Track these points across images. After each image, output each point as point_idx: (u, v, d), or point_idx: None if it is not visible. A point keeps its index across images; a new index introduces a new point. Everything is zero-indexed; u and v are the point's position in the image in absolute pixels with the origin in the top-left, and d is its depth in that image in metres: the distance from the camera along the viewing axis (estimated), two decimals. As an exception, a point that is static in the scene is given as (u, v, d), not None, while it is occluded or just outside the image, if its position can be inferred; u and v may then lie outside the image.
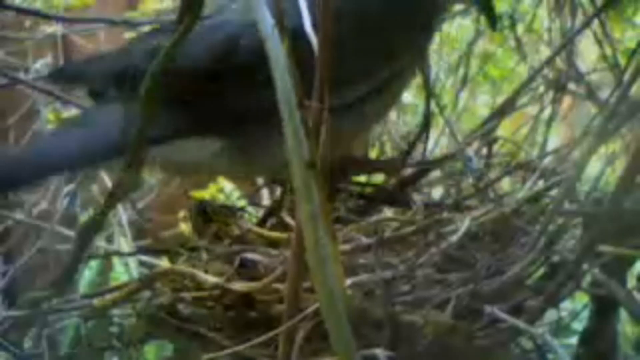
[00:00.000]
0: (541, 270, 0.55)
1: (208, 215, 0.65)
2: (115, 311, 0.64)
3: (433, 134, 1.04)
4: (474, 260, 0.54)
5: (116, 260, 1.15)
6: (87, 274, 1.13)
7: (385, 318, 0.49)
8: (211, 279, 0.54)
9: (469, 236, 0.55)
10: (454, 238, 0.54)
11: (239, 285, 0.53)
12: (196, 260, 0.61)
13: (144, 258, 0.77)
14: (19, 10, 0.95)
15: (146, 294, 0.61)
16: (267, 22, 0.38)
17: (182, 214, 0.79)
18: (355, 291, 0.51)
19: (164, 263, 0.63)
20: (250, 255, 0.58)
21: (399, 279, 0.52)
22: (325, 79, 0.46)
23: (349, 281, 0.50)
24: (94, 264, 1.14)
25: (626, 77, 0.57)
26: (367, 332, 0.49)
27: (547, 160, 0.69)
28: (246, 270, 0.57)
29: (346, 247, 0.55)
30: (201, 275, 0.55)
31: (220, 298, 0.55)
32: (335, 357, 0.35)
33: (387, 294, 0.49)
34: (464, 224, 0.54)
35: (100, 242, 0.90)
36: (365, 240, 0.55)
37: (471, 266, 0.54)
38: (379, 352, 0.44)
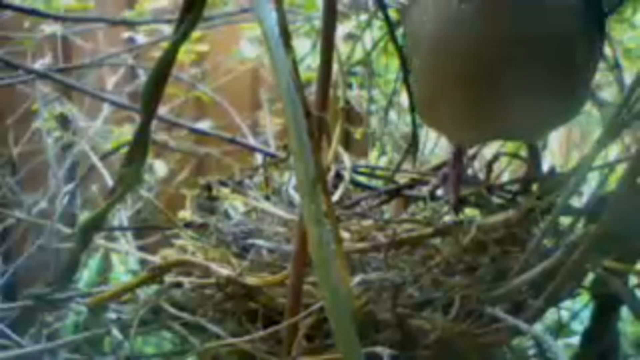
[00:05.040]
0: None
1: (212, 192, 0.66)
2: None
3: (433, 133, 1.04)
4: (478, 264, 0.54)
5: (116, 261, 1.15)
6: (86, 274, 1.13)
7: (393, 321, 0.49)
8: (223, 271, 0.54)
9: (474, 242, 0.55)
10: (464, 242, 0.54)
11: (251, 280, 0.53)
12: (200, 241, 0.61)
13: (144, 256, 0.77)
14: (19, 10, 0.95)
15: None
16: (271, 25, 0.38)
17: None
18: (363, 291, 0.51)
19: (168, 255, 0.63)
20: (253, 240, 0.58)
21: (407, 282, 0.52)
22: (327, 87, 0.46)
23: (357, 279, 0.50)
24: (93, 264, 1.14)
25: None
26: (372, 332, 0.49)
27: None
28: (249, 254, 0.57)
29: (360, 245, 0.55)
30: (214, 267, 0.54)
31: (224, 287, 0.55)
32: (339, 354, 0.35)
33: (395, 297, 0.49)
34: (472, 229, 0.54)
35: (100, 240, 0.90)
36: (381, 239, 0.55)
37: (474, 270, 0.54)
38: (381, 349, 0.44)
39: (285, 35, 0.40)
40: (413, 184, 0.73)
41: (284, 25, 0.41)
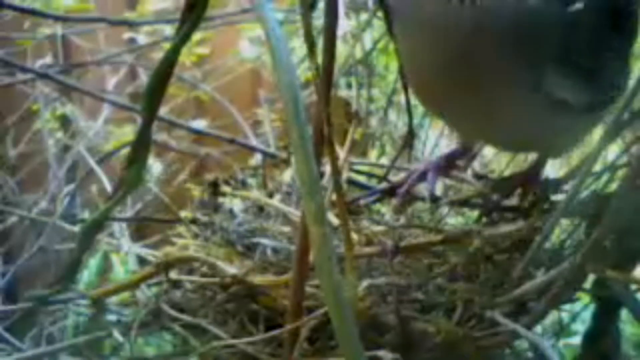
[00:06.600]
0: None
1: (218, 188, 0.66)
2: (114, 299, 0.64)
3: (433, 133, 1.04)
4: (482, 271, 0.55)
5: (115, 261, 1.15)
6: (86, 274, 1.13)
7: (397, 323, 0.49)
8: (229, 269, 0.54)
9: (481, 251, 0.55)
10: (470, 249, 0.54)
11: (258, 280, 0.53)
12: (203, 239, 0.62)
13: (144, 253, 0.77)
14: (19, 10, 0.95)
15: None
16: (272, 24, 0.38)
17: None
18: (369, 294, 0.51)
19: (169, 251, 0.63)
20: (258, 240, 0.58)
21: (412, 286, 0.52)
22: (330, 85, 0.46)
23: (364, 283, 0.50)
24: (93, 265, 1.14)
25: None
26: (375, 335, 0.49)
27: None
28: (253, 253, 0.57)
29: (367, 249, 0.55)
30: (220, 264, 0.54)
31: (227, 287, 0.55)
32: (341, 357, 0.35)
33: (399, 301, 0.49)
34: (479, 241, 0.54)
35: (101, 240, 0.90)
36: (388, 244, 0.55)
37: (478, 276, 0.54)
38: (383, 354, 0.44)
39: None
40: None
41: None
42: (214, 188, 0.67)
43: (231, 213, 0.65)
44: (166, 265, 0.57)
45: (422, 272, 0.54)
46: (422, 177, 0.66)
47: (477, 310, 0.51)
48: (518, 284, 0.52)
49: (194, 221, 0.65)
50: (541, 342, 0.48)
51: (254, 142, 1.18)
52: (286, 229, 0.61)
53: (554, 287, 0.50)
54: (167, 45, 0.46)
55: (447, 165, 0.68)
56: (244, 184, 0.70)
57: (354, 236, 0.56)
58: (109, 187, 0.90)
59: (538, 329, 0.61)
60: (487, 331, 0.51)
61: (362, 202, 0.70)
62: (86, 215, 1.08)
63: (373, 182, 0.77)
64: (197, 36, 1.24)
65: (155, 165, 1.36)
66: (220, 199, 0.67)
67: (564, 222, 0.59)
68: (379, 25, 1.01)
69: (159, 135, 1.32)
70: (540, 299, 0.52)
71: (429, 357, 0.50)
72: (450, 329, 0.49)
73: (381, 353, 0.43)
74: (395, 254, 0.54)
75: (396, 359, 0.43)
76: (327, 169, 0.72)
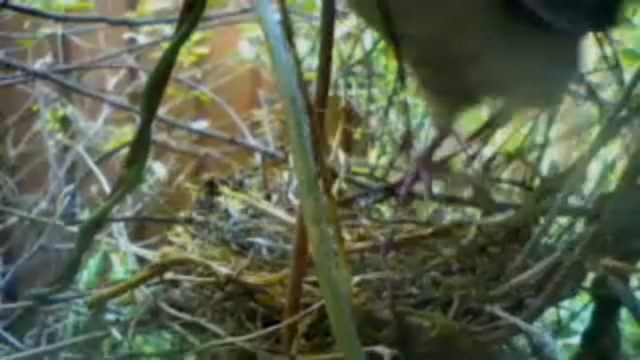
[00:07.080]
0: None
1: (215, 188, 0.67)
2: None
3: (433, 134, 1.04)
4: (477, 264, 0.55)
5: (115, 261, 1.15)
6: (86, 274, 1.13)
7: (392, 318, 0.49)
8: (223, 270, 0.54)
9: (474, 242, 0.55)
10: (464, 242, 0.54)
11: (252, 279, 0.53)
12: (200, 238, 0.62)
13: (143, 253, 0.77)
14: (19, 10, 0.95)
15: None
16: (272, 24, 0.38)
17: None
18: (362, 290, 0.51)
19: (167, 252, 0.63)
20: (253, 239, 0.58)
21: (407, 281, 0.52)
22: (326, 86, 0.46)
23: (356, 279, 0.50)
24: (92, 264, 1.14)
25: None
26: (371, 330, 0.49)
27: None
28: (249, 252, 0.57)
29: (360, 245, 0.56)
30: (214, 266, 0.54)
31: (223, 286, 0.55)
32: (339, 353, 0.35)
33: (393, 295, 0.49)
34: (471, 230, 0.54)
35: (100, 240, 0.90)
36: (381, 239, 0.55)
37: (473, 269, 0.55)
38: (381, 349, 0.44)
39: (288, 33, 0.40)
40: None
41: (287, 23, 0.42)
42: (210, 187, 0.67)
43: (226, 212, 0.65)
44: (161, 268, 0.57)
45: (416, 267, 0.54)
46: (417, 178, 0.66)
47: (473, 304, 0.51)
48: (515, 277, 0.53)
49: (189, 220, 0.65)
50: (541, 333, 0.48)
51: (252, 142, 1.18)
52: (281, 228, 0.61)
53: (551, 283, 0.50)
54: (166, 45, 0.46)
55: (432, 160, 0.68)
56: (241, 185, 0.70)
57: (348, 233, 0.57)
58: (107, 188, 0.90)
59: (537, 325, 0.61)
60: (485, 326, 0.52)
61: (362, 203, 0.71)
62: (86, 215, 1.08)
63: (372, 183, 0.78)
64: (196, 36, 1.24)
65: (156, 166, 1.36)
66: (218, 199, 0.67)
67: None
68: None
69: (159, 136, 1.32)
70: (538, 295, 0.52)
71: (425, 352, 0.50)
72: (446, 323, 0.49)
73: (378, 348, 0.43)
74: (389, 249, 0.54)
75: (394, 354, 0.43)
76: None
